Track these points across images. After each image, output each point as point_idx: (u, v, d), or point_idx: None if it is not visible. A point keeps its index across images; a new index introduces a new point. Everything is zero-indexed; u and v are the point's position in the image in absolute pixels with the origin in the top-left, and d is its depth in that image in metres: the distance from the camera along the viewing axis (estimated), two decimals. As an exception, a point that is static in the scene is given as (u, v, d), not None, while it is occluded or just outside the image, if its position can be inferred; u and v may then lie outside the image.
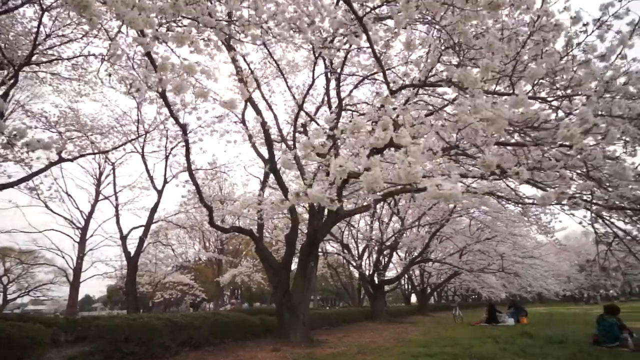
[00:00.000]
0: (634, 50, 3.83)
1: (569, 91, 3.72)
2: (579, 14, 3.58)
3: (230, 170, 15.44)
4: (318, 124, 10.52)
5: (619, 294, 50.09)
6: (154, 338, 6.39)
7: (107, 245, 19.57)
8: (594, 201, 3.74)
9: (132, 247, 14.71)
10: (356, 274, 22.90)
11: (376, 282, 18.60)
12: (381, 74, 5.17)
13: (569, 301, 44.50)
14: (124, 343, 6.02)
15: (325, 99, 10.30)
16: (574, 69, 3.68)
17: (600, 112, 3.25)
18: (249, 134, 10.79)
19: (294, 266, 11.40)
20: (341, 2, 4.54)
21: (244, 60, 8.49)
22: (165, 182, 14.73)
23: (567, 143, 3.08)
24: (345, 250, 19.02)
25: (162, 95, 7.56)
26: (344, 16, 4.80)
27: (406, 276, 25.58)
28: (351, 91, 10.34)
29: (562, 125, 2.46)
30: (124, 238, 14.93)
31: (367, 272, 19.19)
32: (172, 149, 13.81)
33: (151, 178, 14.65)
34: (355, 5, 3.79)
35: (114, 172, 16.29)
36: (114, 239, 18.35)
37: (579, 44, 3.77)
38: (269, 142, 9.41)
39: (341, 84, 9.24)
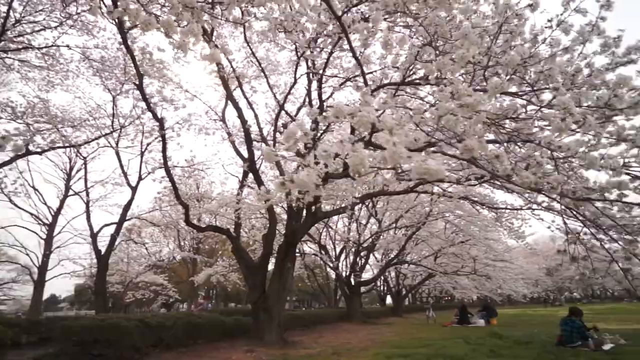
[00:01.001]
0: (594, 44, 4.08)
1: (538, 84, 3.88)
2: (537, 2, 3.77)
3: (208, 168, 15.14)
4: (299, 125, 10.51)
5: (582, 297, 52.54)
6: (124, 339, 6.19)
7: (76, 243, 18.71)
8: (564, 193, 3.87)
9: (102, 245, 14.21)
10: (333, 275, 22.99)
11: (352, 283, 18.74)
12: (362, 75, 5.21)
13: (535, 303, 46.25)
14: (92, 344, 5.81)
15: (307, 100, 10.30)
16: (541, 63, 3.84)
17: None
18: (228, 132, 10.65)
19: (270, 266, 11.33)
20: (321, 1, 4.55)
21: (226, 57, 8.38)
22: (140, 178, 14.32)
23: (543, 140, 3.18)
24: (323, 252, 19.07)
25: (139, 87, 7.34)
26: (323, 15, 4.83)
27: (382, 278, 25.88)
28: (332, 93, 10.39)
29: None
30: (94, 235, 14.39)
31: (343, 274, 19.30)
32: (148, 144, 13.44)
33: (125, 174, 14.20)
34: (335, 4, 3.80)
35: (85, 167, 15.65)
36: (83, 236, 17.63)
37: (544, 40, 3.97)
38: (248, 141, 9.32)
39: (323, 85, 9.26)
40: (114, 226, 14.39)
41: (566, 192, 3.58)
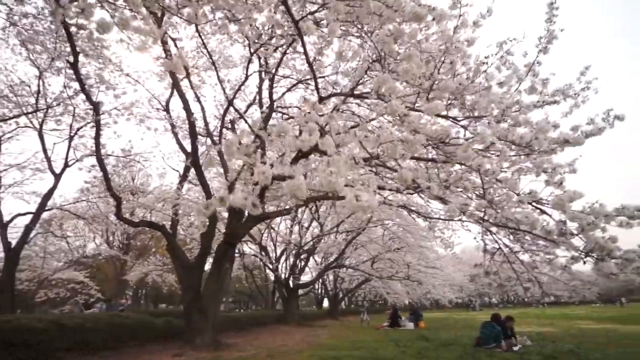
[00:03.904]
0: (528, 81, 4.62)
1: (475, 113, 4.29)
2: (473, 39, 4.20)
3: (146, 160, 14.10)
4: (247, 123, 10.32)
5: (498, 302, 58.01)
6: (34, 342, 5.56)
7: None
8: (485, 218, 4.31)
9: (14, 237, 12.63)
10: (272, 276, 22.78)
11: (291, 285, 18.74)
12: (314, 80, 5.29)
13: (460, 307, 49.93)
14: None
15: (257, 98, 10.16)
16: (479, 93, 4.25)
17: (497, 137, 3.83)
18: (172, 124, 10.13)
19: (207, 266, 10.92)
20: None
21: (175, 44, 7.99)
22: (67, 165, 12.98)
23: (468, 163, 3.52)
24: (263, 253, 18.84)
25: (73, 66, 6.69)
26: (281, 17, 4.83)
27: (320, 281, 26.22)
28: (284, 93, 10.36)
29: (463, 145, 2.81)
30: (4, 225, 12.73)
31: (283, 276, 19.23)
32: (78, 129, 12.25)
33: (48, 159, 12.77)
34: (293, 8, 3.84)
35: (-1, 148, 13.84)
36: (-10, 225, 15.54)
37: (484, 72, 4.42)
38: (193, 135, 8.93)
39: (275, 85, 9.21)
40: (30, 216, 12.88)
41: (489, 216, 3.97)
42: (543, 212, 3.86)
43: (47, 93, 11.17)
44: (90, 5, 2.53)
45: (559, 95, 4.67)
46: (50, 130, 12.21)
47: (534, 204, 3.83)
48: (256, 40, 7.06)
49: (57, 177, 12.86)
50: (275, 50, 7.63)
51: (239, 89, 9.73)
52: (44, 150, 12.42)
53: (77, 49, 6.56)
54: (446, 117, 4.52)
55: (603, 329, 13.08)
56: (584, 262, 3.58)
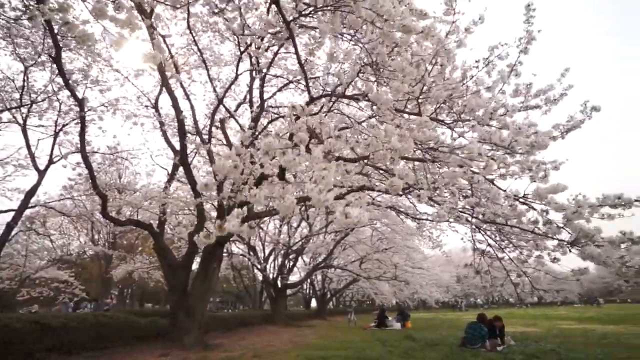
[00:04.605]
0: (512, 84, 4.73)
1: (463, 116, 4.38)
2: (462, 40, 4.29)
3: (133, 158, 13.88)
4: (237, 121, 10.28)
5: (484, 303, 58.85)
6: (13, 342, 5.44)
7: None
8: (474, 215, 4.40)
9: (-5, 235, 12.30)
10: (260, 276, 22.70)
11: (279, 285, 18.70)
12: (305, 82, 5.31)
13: (446, 308, 50.47)
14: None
15: (248, 97, 10.12)
16: (467, 96, 4.35)
17: (483, 139, 3.92)
18: (160, 121, 10.02)
19: (195, 266, 10.83)
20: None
21: (164, 41, 7.90)
22: (51, 162, 12.70)
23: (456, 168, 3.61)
24: (252, 253, 18.76)
25: (56, 61, 6.55)
26: (272, 17, 4.84)
27: (308, 281, 26.25)
28: (275, 93, 10.35)
29: (452, 158, 2.87)
30: (-16, 223, 12.42)
31: (271, 276, 19.18)
32: (64, 125, 12.00)
33: (32, 155, 12.48)
34: (286, 9, 3.85)
35: (-20, 143, 13.45)
36: (-30, 223, 15.11)
37: (472, 77, 4.51)
38: (182, 133, 8.84)
39: (265, 84, 9.18)
40: (12, 213, 12.57)
41: (477, 214, 4.07)
42: (530, 207, 3.96)
43: (32, 88, 10.92)
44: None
45: (541, 97, 4.81)
46: (36, 126, 11.94)
47: (520, 199, 3.93)
48: (247, 41, 7.04)
49: (41, 173, 12.58)
50: (266, 50, 7.62)
51: (229, 88, 9.68)
52: (28, 146, 12.13)
53: (60, 43, 6.44)
54: (435, 119, 4.60)
55: (583, 329, 13.40)
56: (570, 250, 3.69)
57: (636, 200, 3.21)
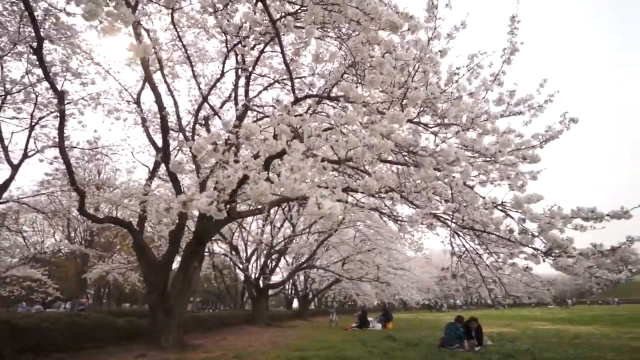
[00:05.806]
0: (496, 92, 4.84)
1: (445, 120, 4.47)
2: (445, 50, 4.39)
3: (114, 154, 13.53)
4: (221, 119, 10.17)
5: (462, 304, 60.05)
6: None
7: None
8: (453, 220, 4.50)
9: (-37, 231, 11.81)
10: (242, 276, 22.51)
11: (261, 285, 18.59)
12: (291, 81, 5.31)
13: (426, 309, 51.24)
14: None
15: (233, 95, 10.03)
16: (451, 102, 4.44)
17: (464, 145, 4.01)
18: (142, 117, 9.83)
19: (175, 265, 10.66)
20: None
21: (148, 35, 7.75)
22: (26, 156, 12.25)
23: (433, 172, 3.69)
24: (234, 252, 18.58)
25: (37, 52, 6.35)
26: (259, 15, 4.83)
27: (291, 281, 26.17)
28: (260, 92, 10.30)
29: (426, 161, 2.93)
30: (-47, 218, 11.90)
31: (253, 276, 19.04)
32: (40, 118, 11.60)
33: (5, 148, 12.02)
34: (272, 8, 3.85)
35: (-51, 135, 12.87)
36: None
37: (456, 82, 4.61)
38: (165, 130, 8.70)
39: (251, 83, 9.13)
40: (-17, 209, 12.09)
41: (457, 219, 4.16)
42: (507, 215, 4.08)
43: (5, 78, 10.52)
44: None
45: (523, 105, 4.95)
46: (10, 118, 11.49)
47: (498, 207, 4.05)
48: (235, 35, 6.98)
49: (15, 168, 12.12)
50: (252, 48, 7.58)
51: (214, 85, 9.58)
52: (1, 139, 11.67)
53: (42, 34, 6.25)
54: (418, 123, 4.68)
55: (556, 329, 13.85)
56: (544, 260, 3.83)
57: (607, 215, 3.36)
